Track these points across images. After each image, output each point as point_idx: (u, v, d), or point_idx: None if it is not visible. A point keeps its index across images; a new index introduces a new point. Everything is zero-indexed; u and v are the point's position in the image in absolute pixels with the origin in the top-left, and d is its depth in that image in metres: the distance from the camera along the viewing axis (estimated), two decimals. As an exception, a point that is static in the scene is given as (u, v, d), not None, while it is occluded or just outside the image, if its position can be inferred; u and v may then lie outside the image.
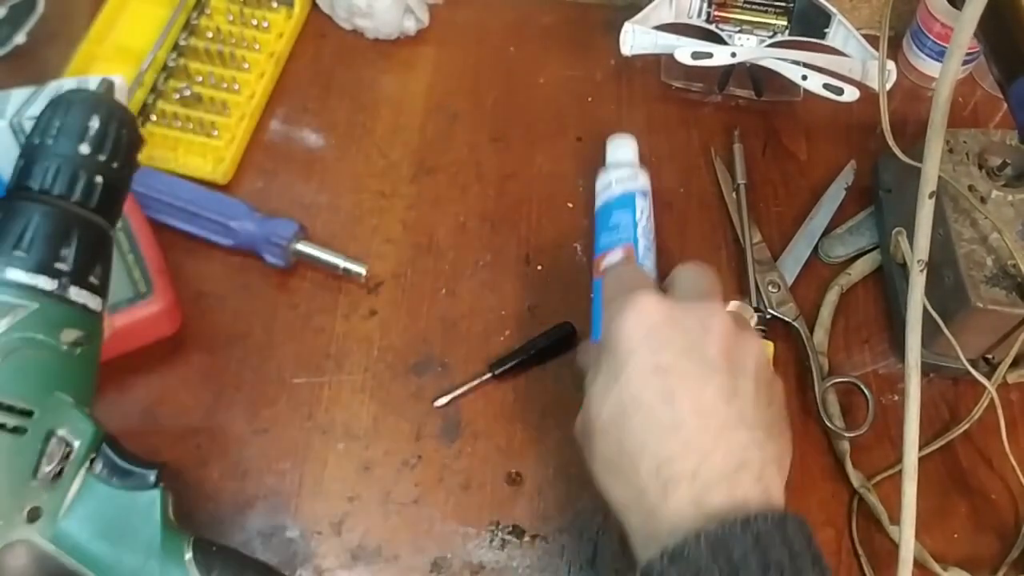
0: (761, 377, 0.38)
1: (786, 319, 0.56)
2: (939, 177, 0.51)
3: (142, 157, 0.58)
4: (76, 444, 0.34)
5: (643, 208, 0.56)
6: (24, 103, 0.55)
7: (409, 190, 0.60)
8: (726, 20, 0.64)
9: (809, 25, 0.64)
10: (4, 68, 0.62)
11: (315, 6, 0.67)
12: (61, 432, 0.34)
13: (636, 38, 0.61)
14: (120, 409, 0.51)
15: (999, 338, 0.51)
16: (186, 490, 0.49)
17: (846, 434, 0.53)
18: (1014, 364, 0.52)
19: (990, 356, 0.53)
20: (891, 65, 0.59)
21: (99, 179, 0.37)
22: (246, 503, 0.49)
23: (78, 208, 0.37)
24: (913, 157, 0.53)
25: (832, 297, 0.57)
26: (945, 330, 0.50)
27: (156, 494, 0.36)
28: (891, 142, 0.54)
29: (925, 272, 0.47)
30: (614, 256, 0.51)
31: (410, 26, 0.66)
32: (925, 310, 0.49)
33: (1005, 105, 0.43)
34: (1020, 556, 0.50)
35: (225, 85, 0.61)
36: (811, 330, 0.56)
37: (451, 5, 0.67)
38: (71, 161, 0.36)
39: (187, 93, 0.60)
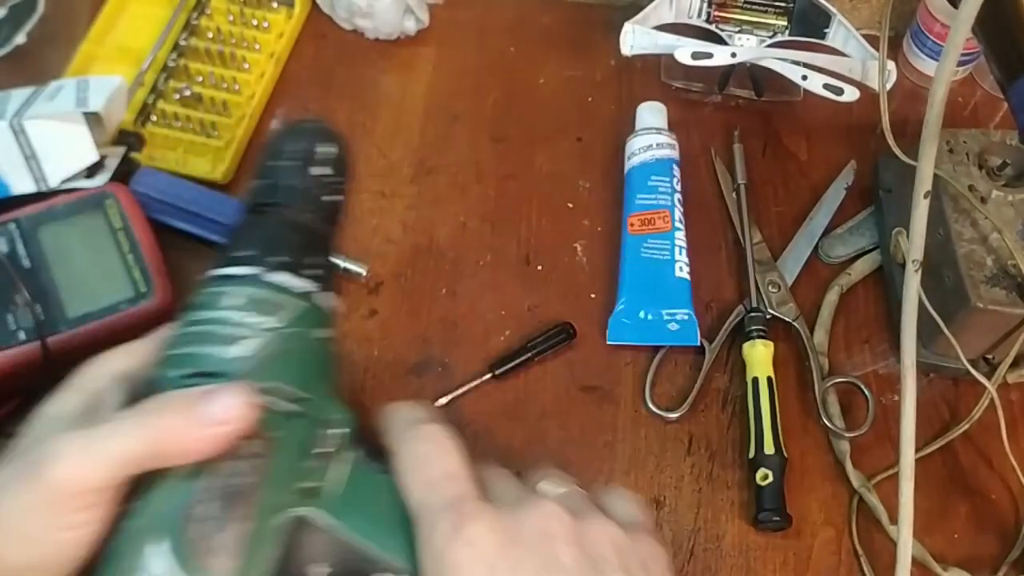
0: (626, 555, 0.32)
1: (786, 319, 0.56)
2: (939, 177, 0.51)
3: (141, 157, 0.58)
4: (342, 428, 0.37)
5: (679, 178, 0.58)
6: (24, 103, 0.55)
7: (409, 190, 0.60)
8: (726, 20, 0.64)
9: (809, 25, 0.64)
10: (4, 68, 0.62)
11: (315, 6, 0.67)
12: (329, 417, 0.37)
13: (636, 38, 0.61)
14: (120, 409, 0.51)
15: (999, 338, 0.51)
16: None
17: (846, 434, 0.53)
18: (1014, 364, 0.52)
19: (990, 356, 0.53)
20: (891, 65, 0.59)
21: (328, 196, 0.42)
22: (246, 503, 0.49)
23: (318, 221, 0.41)
24: (913, 157, 0.53)
25: (832, 297, 0.57)
26: (945, 330, 0.50)
27: None
28: (891, 142, 0.54)
29: (920, 272, 0.47)
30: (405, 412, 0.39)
31: (410, 26, 0.66)
32: (925, 310, 0.50)
33: (1005, 105, 0.43)
34: (1020, 556, 0.50)
35: (225, 85, 0.61)
36: (811, 330, 0.56)
37: (451, 5, 0.67)
38: (306, 181, 0.42)
39: (187, 93, 0.60)
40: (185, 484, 0.33)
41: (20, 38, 0.63)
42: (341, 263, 0.55)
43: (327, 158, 0.43)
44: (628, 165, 0.59)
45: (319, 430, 0.36)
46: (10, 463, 0.31)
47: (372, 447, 0.38)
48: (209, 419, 0.31)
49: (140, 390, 0.35)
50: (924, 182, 0.47)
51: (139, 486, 0.33)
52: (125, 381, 0.35)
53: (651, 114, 0.61)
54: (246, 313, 0.37)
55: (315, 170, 0.42)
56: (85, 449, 0.30)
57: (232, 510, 0.33)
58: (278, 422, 0.35)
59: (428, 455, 0.34)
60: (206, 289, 0.38)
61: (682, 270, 0.56)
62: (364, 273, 0.55)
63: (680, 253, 0.56)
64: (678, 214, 0.57)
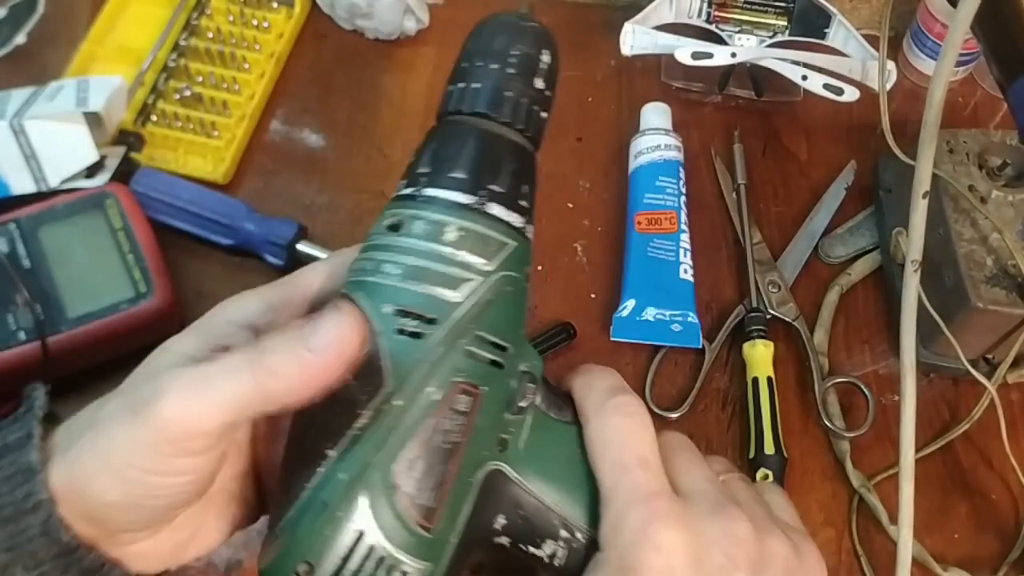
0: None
1: (786, 319, 0.56)
2: (940, 177, 0.51)
3: (142, 158, 0.58)
4: (535, 377, 0.35)
5: (684, 180, 0.59)
6: (24, 103, 0.55)
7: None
8: (726, 20, 0.64)
9: (809, 25, 0.64)
10: (4, 68, 0.62)
11: (315, 6, 0.67)
12: (524, 366, 0.35)
13: (636, 38, 0.61)
14: (120, 409, 0.51)
15: (999, 338, 0.51)
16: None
17: (846, 434, 0.53)
18: (1014, 364, 0.52)
19: (990, 356, 0.53)
20: (891, 65, 0.59)
21: (544, 113, 0.37)
22: (246, 503, 0.49)
23: (528, 143, 0.37)
24: (913, 157, 0.53)
25: (832, 297, 0.57)
26: (945, 330, 0.50)
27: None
28: (891, 142, 0.54)
29: (919, 272, 0.47)
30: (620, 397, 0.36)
31: (410, 26, 0.66)
32: (925, 310, 0.50)
33: (1005, 105, 0.43)
34: (1020, 556, 0.50)
35: (225, 85, 0.61)
36: (811, 330, 0.56)
37: (451, 5, 0.67)
38: (530, 96, 0.36)
39: (187, 93, 0.60)
40: (396, 437, 0.32)
41: (20, 38, 0.63)
42: None
43: (549, 69, 0.38)
44: (634, 164, 0.59)
45: (518, 381, 0.35)
46: (122, 395, 0.30)
47: (550, 391, 0.36)
48: (315, 347, 0.29)
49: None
50: (922, 183, 0.47)
51: (332, 431, 0.32)
52: (250, 329, 0.33)
53: (657, 115, 0.61)
54: (467, 251, 0.34)
55: (538, 82, 0.37)
56: (197, 389, 0.28)
57: (439, 466, 0.32)
58: (486, 375, 0.33)
59: (624, 432, 0.33)
60: (424, 212, 0.34)
61: (686, 272, 0.56)
62: None
63: (685, 255, 0.56)
64: (684, 217, 0.57)
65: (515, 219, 0.36)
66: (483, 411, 0.33)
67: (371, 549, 0.31)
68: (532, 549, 0.35)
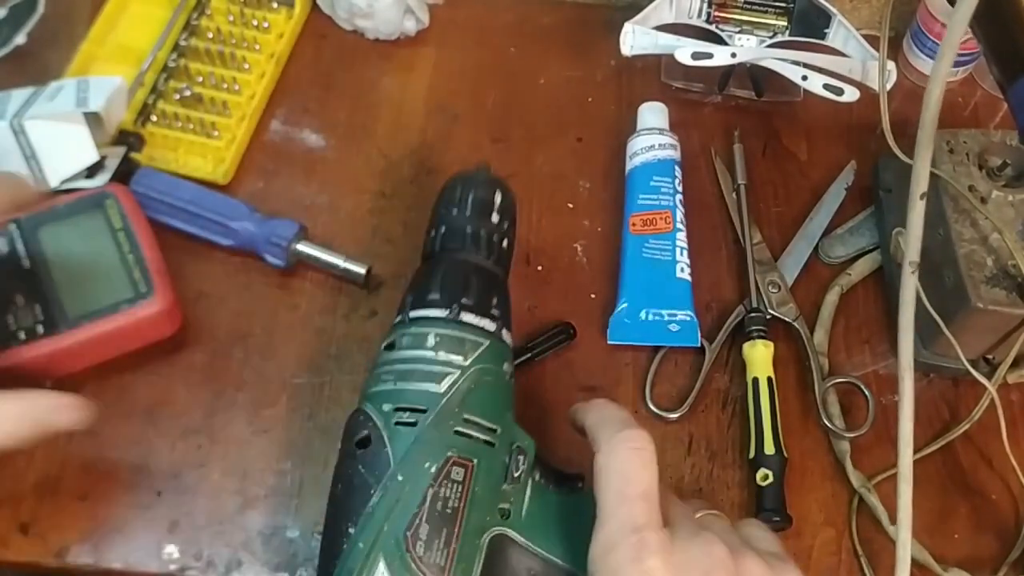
0: None
1: (786, 319, 0.56)
2: (940, 177, 0.51)
3: (142, 158, 0.58)
4: (527, 455, 0.41)
5: (680, 179, 0.58)
6: (24, 103, 0.55)
7: (410, 190, 0.60)
8: (726, 20, 0.64)
9: (809, 25, 0.64)
10: (4, 69, 0.62)
11: (315, 7, 0.67)
12: (517, 444, 0.41)
13: (636, 38, 0.61)
14: (121, 409, 0.51)
15: (999, 338, 0.51)
16: (186, 490, 0.49)
17: (846, 434, 0.53)
18: (1014, 364, 0.52)
19: (990, 356, 0.53)
20: (891, 65, 0.59)
21: (504, 241, 0.47)
22: (246, 503, 0.49)
23: (493, 265, 0.46)
24: (913, 157, 0.53)
25: (832, 297, 0.57)
26: (945, 330, 0.50)
27: (588, 495, 0.40)
28: (891, 142, 0.54)
29: (916, 274, 0.47)
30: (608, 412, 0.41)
31: (410, 26, 0.66)
32: (925, 310, 0.50)
33: (1005, 105, 0.43)
34: (1020, 557, 0.50)
35: (225, 85, 0.61)
36: (811, 330, 0.56)
37: (451, 6, 0.67)
38: (488, 228, 0.47)
39: (187, 93, 0.60)
40: (402, 506, 0.37)
41: (20, 38, 0.63)
42: (341, 263, 0.55)
43: (502, 206, 0.48)
44: (630, 165, 0.59)
45: (509, 458, 0.40)
46: None
47: (545, 468, 0.42)
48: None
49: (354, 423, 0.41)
50: (920, 184, 0.47)
51: (352, 511, 0.38)
52: None
53: (653, 114, 0.61)
54: (445, 352, 0.41)
55: (494, 217, 0.47)
56: None
57: (445, 528, 0.37)
58: (477, 450, 0.39)
59: (632, 465, 0.37)
60: (410, 330, 0.42)
61: (683, 271, 0.56)
62: (363, 273, 0.55)
63: (681, 254, 0.56)
64: (679, 215, 0.57)
65: (487, 324, 0.43)
66: (478, 480, 0.39)
67: None
68: None
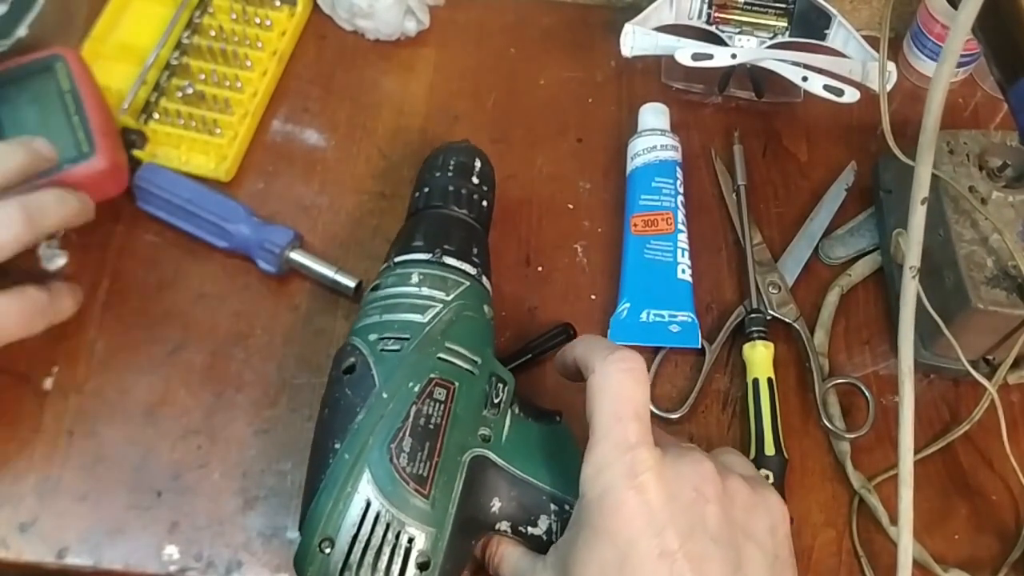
0: (771, 538, 0.38)
1: (787, 320, 0.56)
2: (940, 178, 0.51)
3: (146, 155, 0.58)
4: (507, 386, 0.44)
5: (682, 180, 0.58)
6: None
7: (410, 191, 0.60)
8: (726, 21, 0.64)
9: (809, 26, 0.64)
10: (6, 61, 0.62)
11: (316, 7, 0.67)
12: (496, 376, 0.44)
13: (637, 39, 0.61)
14: (121, 409, 0.51)
15: (999, 339, 0.51)
16: (186, 491, 0.49)
17: (847, 435, 0.53)
18: (1014, 365, 0.52)
19: (990, 357, 0.53)
20: (891, 66, 0.59)
21: (484, 202, 0.52)
22: (247, 503, 0.49)
23: (473, 221, 0.50)
24: (913, 158, 0.53)
25: (832, 298, 0.57)
26: (946, 331, 0.50)
27: (566, 427, 0.45)
28: (891, 143, 0.54)
29: (917, 279, 0.47)
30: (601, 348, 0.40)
31: (411, 27, 0.66)
32: (926, 311, 0.50)
33: (1005, 106, 0.43)
34: (1021, 557, 0.50)
35: (228, 83, 0.61)
36: (812, 331, 0.56)
37: (452, 6, 0.68)
38: (468, 188, 0.51)
39: (190, 91, 0.60)
40: (387, 420, 0.40)
41: (22, 31, 0.62)
42: (331, 274, 0.55)
43: (481, 171, 0.53)
44: (631, 166, 0.59)
45: (489, 386, 0.43)
46: None
47: (524, 403, 0.45)
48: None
49: (344, 350, 0.43)
50: (921, 188, 0.47)
51: (338, 429, 0.40)
52: None
53: (654, 115, 0.61)
54: (428, 287, 0.45)
55: (474, 179, 0.52)
56: None
57: (427, 442, 0.40)
58: (458, 374, 0.42)
59: (624, 385, 0.37)
60: (395, 271, 0.46)
61: (684, 272, 0.56)
62: (353, 287, 0.54)
63: (682, 255, 0.56)
64: (681, 216, 0.57)
65: (468, 267, 0.47)
66: (459, 402, 0.41)
67: (378, 515, 0.38)
68: (531, 529, 0.41)
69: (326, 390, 0.43)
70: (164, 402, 0.51)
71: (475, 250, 0.48)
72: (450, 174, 0.51)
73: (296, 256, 0.55)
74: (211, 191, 0.56)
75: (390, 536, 0.38)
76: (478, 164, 0.53)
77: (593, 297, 0.57)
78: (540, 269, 0.58)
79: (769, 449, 0.51)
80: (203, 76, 0.61)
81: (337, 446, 0.40)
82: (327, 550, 0.38)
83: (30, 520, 0.47)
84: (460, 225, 0.49)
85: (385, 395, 0.40)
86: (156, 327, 0.54)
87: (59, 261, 0.54)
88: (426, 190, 0.51)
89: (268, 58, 0.63)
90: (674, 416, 0.53)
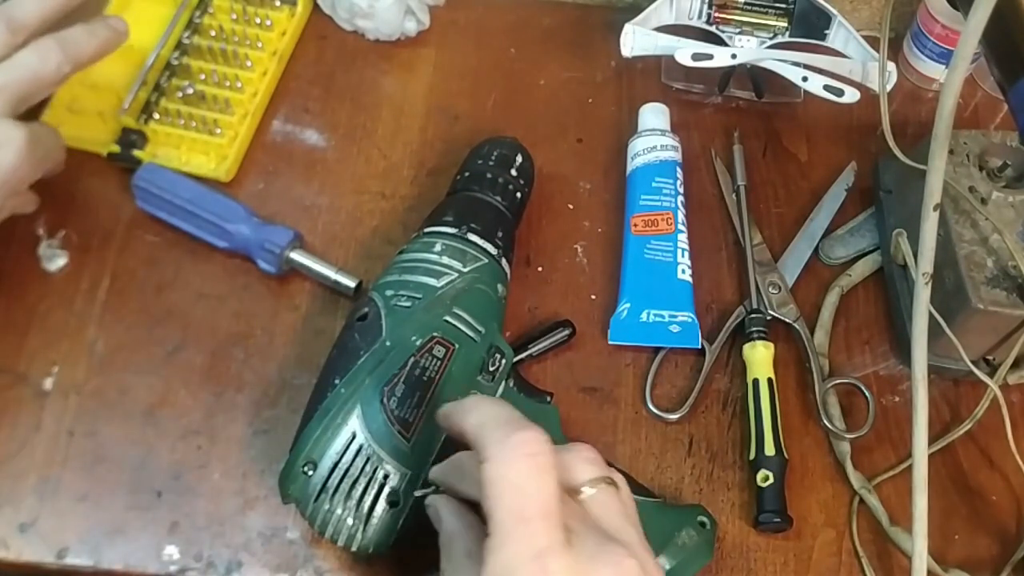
0: None
1: (787, 320, 0.56)
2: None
3: (146, 155, 0.58)
4: (505, 358, 0.48)
5: (682, 180, 0.59)
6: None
7: (410, 191, 0.60)
8: (726, 22, 0.64)
9: (809, 26, 0.64)
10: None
11: (316, 7, 0.67)
12: (496, 348, 0.47)
13: (637, 40, 0.61)
14: (121, 409, 0.51)
15: (1000, 339, 0.51)
16: (186, 491, 0.49)
17: (847, 435, 0.53)
18: (1015, 365, 0.52)
19: (991, 357, 0.53)
20: (891, 66, 0.59)
21: (518, 193, 0.55)
22: (247, 504, 0.49)
23: (504, 208, 0.53)
24: (913, 158, 0.53)
25: (833, 298, 0.57)
26: (948, 331, 0.50)
27: (555, 410, 0.50)
28: (892, 143, 0.54)
29: (930, 285, 0.47)
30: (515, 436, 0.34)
31: (411, 27, 0.66)
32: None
33: (1005, 106, 0.43)
34: (1022, 558, 0.50)
35: (228, 83, 0.61)
36: (812, 331, 0.56)
37: (452, 7, 0.67)
38: (505, 178, 0.54)
39: (190, 91, 0.60)
40: (386, 365, 0.43)
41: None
42: (332, 275, 0.55)
43: (521, 166, 0.55)
44: (631, 166, 0.59)
45: (488, 355, 0.47)
46: None
47: (519, 379, 0.49)
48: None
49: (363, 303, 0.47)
50: (933, 195, 0.47)
51: (341, 368, 0.44)
52: None
53: (654, 115, 0.61)
54: (448, 257, 0.48)
55: (512, 172, 0.54)
56: None
57: (418, 392, 0.43)
58: (460, 338, 0.46)
59: (528, 476, 0.32)
60: (422, 239, 0.50)
61: (684, 272, 0.56)
62: (353, 287, 0.54)
63: (682, 255, 0.56)
64: (681, 216, 0.57)
65: (490, 247, 0.50)
66: (456, 362, 0.45)
67: (360, 448, 0.42)
68: None
69: (339, 334, 0.48)
70: (164, 402, 0.51)
71: (500, 233, 0.51)
72: (491, 163, 0.54)
73: (296, 256, 0.55)
74: (211, 191, 0.56)
75: (368, 468, 0.41)
76: (519, 159, 0.55)
77: (593, 297, 0.57)
78: (540, 269, 0.58)
79: (769, 449, 0.51)
80: (203, 76, 0.61)
81: (337, 381, 0.43)
82: (309, 472, 0.42)
83: (30, 520, 0.47)
84: (490, 209, 0.52)
85: (388, 343, 0.44)
86: (156, 327, 0.54)
87: (59, 261, 0.55)
88: (466, 174, 0.54)
89: (268, 58, 0.63)
90: (674, 417, 0.53)
